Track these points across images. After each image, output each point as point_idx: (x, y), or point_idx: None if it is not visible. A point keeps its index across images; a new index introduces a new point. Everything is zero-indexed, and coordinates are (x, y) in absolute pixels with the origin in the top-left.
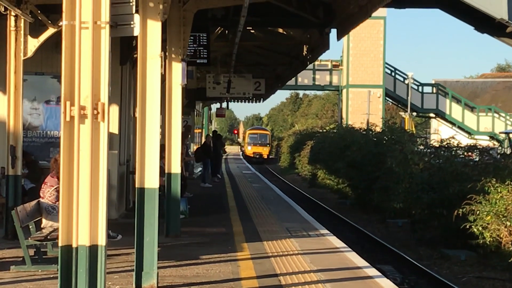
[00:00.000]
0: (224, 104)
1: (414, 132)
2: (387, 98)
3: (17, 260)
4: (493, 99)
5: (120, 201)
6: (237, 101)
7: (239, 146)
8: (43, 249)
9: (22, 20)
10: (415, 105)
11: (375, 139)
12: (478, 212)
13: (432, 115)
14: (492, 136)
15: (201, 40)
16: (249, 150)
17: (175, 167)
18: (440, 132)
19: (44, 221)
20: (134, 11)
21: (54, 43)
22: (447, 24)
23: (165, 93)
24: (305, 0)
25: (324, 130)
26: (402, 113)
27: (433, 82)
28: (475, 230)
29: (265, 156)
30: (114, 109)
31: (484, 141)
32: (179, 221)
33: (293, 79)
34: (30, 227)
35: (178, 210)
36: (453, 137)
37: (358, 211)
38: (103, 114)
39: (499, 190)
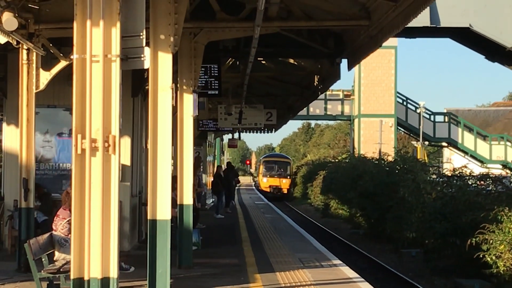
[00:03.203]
0: (236, 135)
1: (427, 161)
2: (399, 128)
3: None
4: (505, 128)
5: (133, 233)
6: (249, 132)
7: (251, 177)
8: (56, 282)
9: (34, 54)
10: (427, 134)
11: (387, 168)
12: (491, 241)
13: (444, 144)
14: (505, 165)
15: (212, 71)
16: (265, 182)
17: (187, 198)
18: (452, 161)
19: (56, 253)
20: (144, 44)
21: (66, 76)
22: (458, 53)
23: (176, 124)
24: (316, 30)
25: (336, 160)
26: (414, 142)
27: (445, 111)
28: (489, 259)
29: (285, 191)
30: (126, 141)
31: (496, 170)
32: (192, 253)
33: (305, 109)
34: (43, 259)
35: (190, 241)
36: (465, 166)
37: (371, 241)
38: (114, 147)
39: None
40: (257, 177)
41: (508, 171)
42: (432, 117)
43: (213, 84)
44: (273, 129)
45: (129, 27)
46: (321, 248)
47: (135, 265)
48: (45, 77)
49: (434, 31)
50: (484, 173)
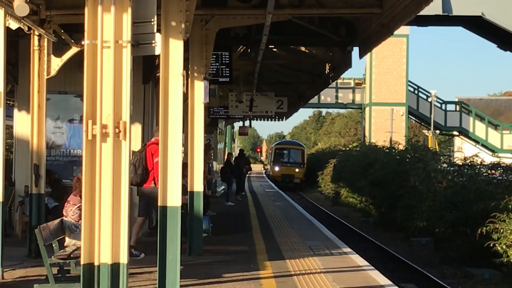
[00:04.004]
0: (247, 123)
1: (438, 150)
2: (410, 116)
3: (40, 279)
4: None
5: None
6: (260, 120)
7: (262, 164)
8: (66, 268)
9: (46, 40)
10: (438, 123)
11: (398, 157)
12: (502, 230)
13: (455, 133)
14: None
15: (224, 59)
16: (276, 171)
17: (198, 185)
18: (463, 150)
19: (67, 239)
20: (155, 30)
21: (77, 62)
22: (470, 42)
23: (187, 111)
24: (327, 18)
25: (347, 149)
26: (425, 131)
27: (456, 100)
28: (499, 248)
29: (298, 180)
30: (137, 128)
31: (508, 159)
32: (202, 240)
33: (316, 97)
34: (54, 245)
35: (200, 228)
36: (476, 155)
37: (381, 230)
38: (124, 133)
39: None
40: (269, 164)
41: None
42: (443, 106)
43: (224, 72)
44: (284, 117)
45: (140, 13)
46: (331, 236)
47: (145, 252)
48: (56, 63)
49: (446, 19)
50: (495, 162)
